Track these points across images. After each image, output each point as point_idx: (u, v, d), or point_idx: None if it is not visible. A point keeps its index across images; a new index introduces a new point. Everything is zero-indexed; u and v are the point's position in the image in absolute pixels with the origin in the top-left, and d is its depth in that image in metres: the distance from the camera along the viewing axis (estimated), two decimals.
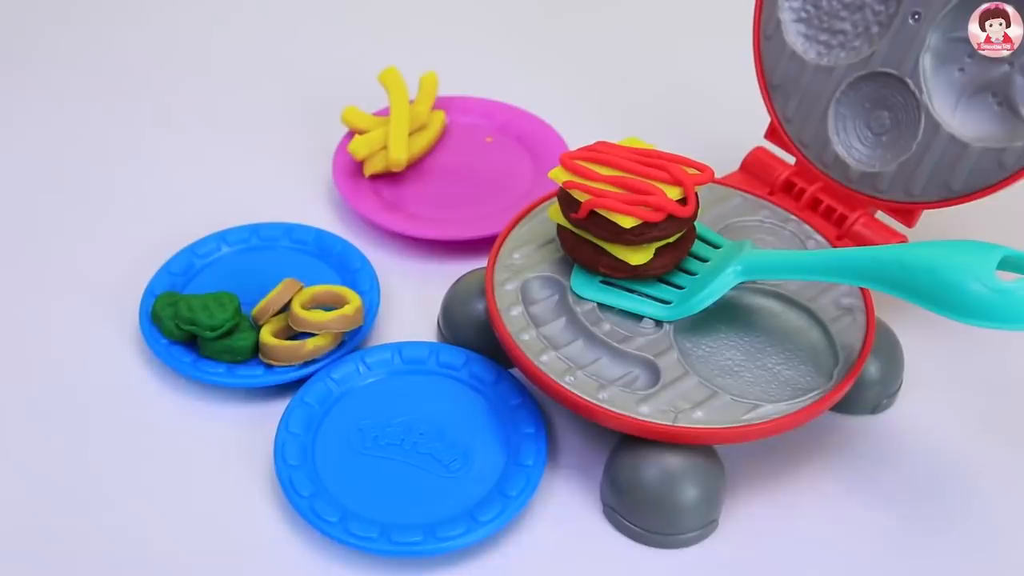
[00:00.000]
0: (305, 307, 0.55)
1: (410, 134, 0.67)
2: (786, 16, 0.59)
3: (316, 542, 0.49)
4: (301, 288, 0.56)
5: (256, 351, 0.54)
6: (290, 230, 0.62)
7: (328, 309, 0.55)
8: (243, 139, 0.71)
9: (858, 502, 0.51)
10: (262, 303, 0.55)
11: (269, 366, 0.54)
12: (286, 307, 0.55)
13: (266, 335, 0.54)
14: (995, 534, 0.50)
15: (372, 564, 0.48)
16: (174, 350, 0.55)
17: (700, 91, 0.75)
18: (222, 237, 0.61)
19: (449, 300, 0.57)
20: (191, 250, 0.60)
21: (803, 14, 0.59)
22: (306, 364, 0.54)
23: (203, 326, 0.53)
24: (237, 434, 0.53)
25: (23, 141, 0.71)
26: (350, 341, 0.56)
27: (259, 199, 0.66)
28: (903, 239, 0.57)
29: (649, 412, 0.48)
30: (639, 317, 0.52)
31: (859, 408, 0.54)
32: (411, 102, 0.68)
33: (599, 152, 0.52)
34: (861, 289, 0.53)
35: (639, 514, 0.49)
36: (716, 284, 0.51)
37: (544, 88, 0.75)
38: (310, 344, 0.54)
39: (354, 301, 0.55)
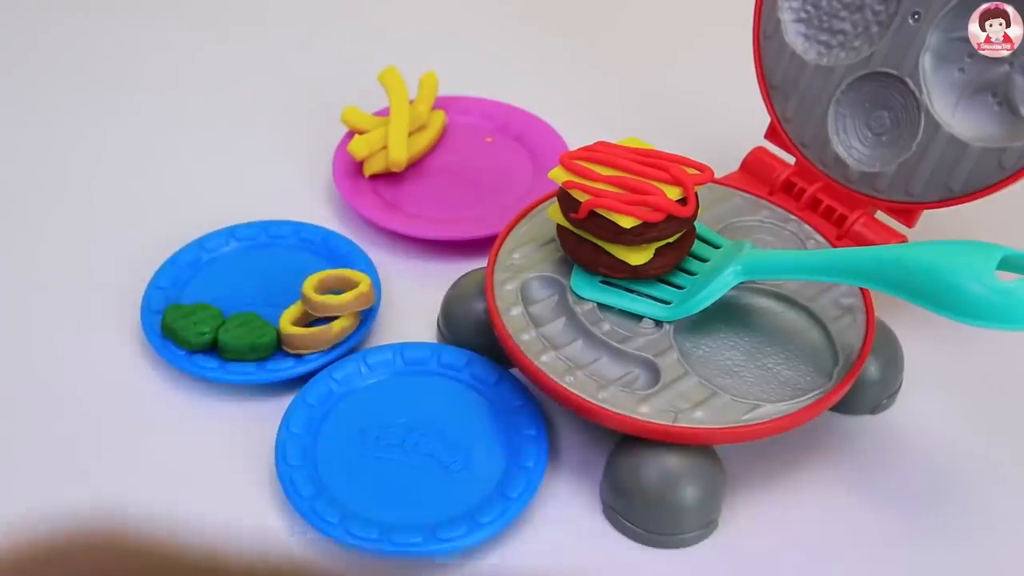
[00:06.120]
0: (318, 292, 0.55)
1: (410, 134, 0.67)
2: (786, 16, 0.59)
3: (317, 542, 0.49)
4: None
5: (277, 345, 0.55)
6: (297, 229, 0.62)
7: (336, 293, 0.55)
8: (242, 139, 0.71)
9: (858, 502, 0.51)
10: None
11: (299, 356, 0.54)
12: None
13: (287, 326, 0.54)
14: (995, 534, 0.50)
15: (372, 565, 0.48)
16: (196, 359, 0.54)
17: (700, 91, 0.75)
18: (221, 236, 0.61)
19: (449, 300, 0.57)
20: (188, 251, 0.60)
21: (803, 14, 0.59)
22: (334, 347, 0.55)
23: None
24: (237, 434, 0.53)
25: (22, 141, 0.71)
26: (365, 321, 0.56)
27: (258, 199, 0.66)
28: (903, 239, 0.57)
29: (649, 412, 0.48)
30: (639, 317, 0.52)
31: (859, 408, 0.54)
32: (411, 102, 0.68)
33: (599, 152, 0.52)
34: (861, 289, 0.53)
35: (639, 514, 0.49)
36: (716, 284, 0.51)
37: (544, 88, 0.75)
38: (336, 327, 0.54)
39: (364, 279, 0.55)
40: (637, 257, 0.51)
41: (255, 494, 0.51)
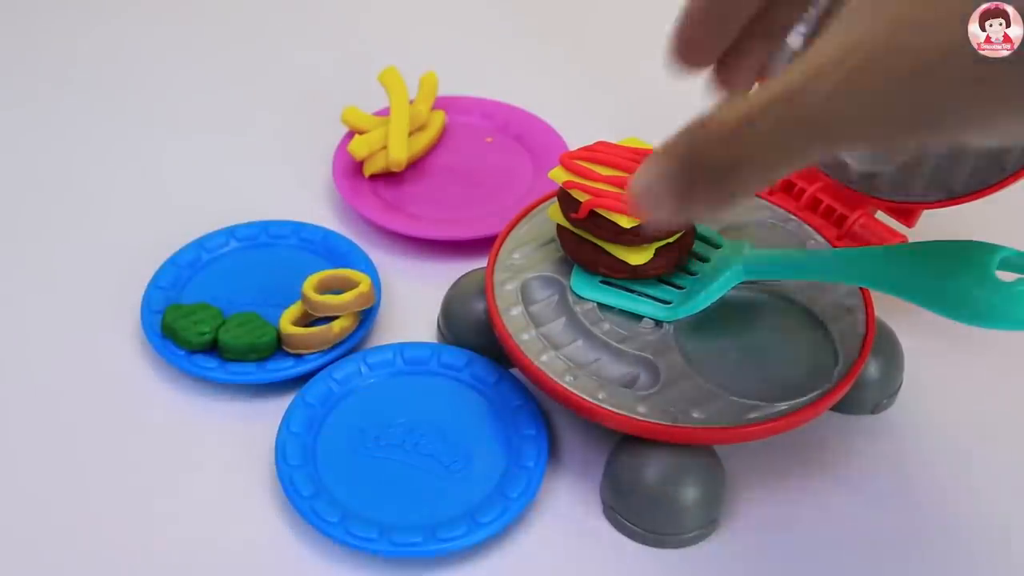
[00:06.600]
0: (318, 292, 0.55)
1: (410, 134, 0.67)
2: None
3: (316, 542, 0.49)
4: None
5: (277, 345, 0.55)
6: (297, 229, 0.62)
7: (335, 293, 0.56)
8: (242, 139, 0.71)
9: (858, 502, 0.51)
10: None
11: (299, 356, 0.55)
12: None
13: (287, 326, 0.54)
14: (995, 534, 0.50)
15: (372, 565, 0.48)
16: (196, 359, 0.55)
17: (700, 91, 0.75)
18: (221, 236, 0.61)
19: (449, 300, 0.57)
20: (188, 250, 0.60)
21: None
22: (334, 347, 0.55)
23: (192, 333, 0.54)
24: (237, 434, 0.53)
25: (22, 141, 0.71)
26: (365, 321, 0.56)
27: (258, 199, 0.66)
28: (903, 239, 0.57)
29: (649, 412, 0.48)
30: (639, 317, 0.52)
31: (859, 408, 0.54)
32: (411, 102, 0.69)
33: (599, 152, 0.52)
34: (861, 289, 0.53)
35: (639, 514, 0.49)
36: (716, 284, 0.51)
37: (544, 88, 0.75)
38: (336, 326, 0.54)
39: (364, 279, 0.55)
40: (637, 257, 0.51)
41: (255, 494, 0.51)
